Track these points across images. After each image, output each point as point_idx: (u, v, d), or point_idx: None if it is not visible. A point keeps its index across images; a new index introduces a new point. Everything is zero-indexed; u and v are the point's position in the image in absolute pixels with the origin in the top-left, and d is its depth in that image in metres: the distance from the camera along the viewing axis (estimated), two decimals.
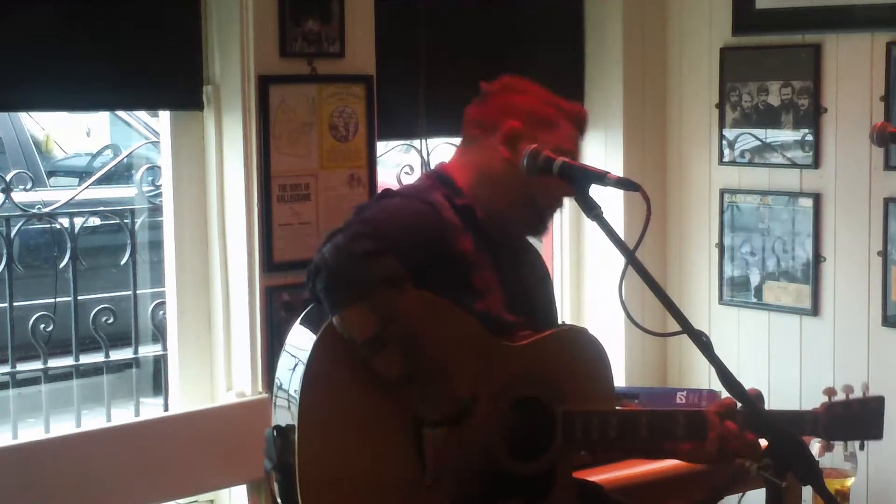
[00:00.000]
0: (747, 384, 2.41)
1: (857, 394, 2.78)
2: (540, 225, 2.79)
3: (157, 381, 4.60)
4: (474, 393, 2.51)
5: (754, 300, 4.27)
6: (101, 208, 5.03)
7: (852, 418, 2.75)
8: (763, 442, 2.35)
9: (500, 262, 2.74)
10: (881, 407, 2.78)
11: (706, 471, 2.92)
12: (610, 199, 3.44)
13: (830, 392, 2.75)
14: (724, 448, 2.62)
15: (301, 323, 2.58)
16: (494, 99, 2.77)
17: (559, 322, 2.92)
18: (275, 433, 2.52)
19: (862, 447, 2.81)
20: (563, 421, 2.60)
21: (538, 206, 2.74)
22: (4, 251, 4.18)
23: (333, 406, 2.48)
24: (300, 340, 2.55)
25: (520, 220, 2.75)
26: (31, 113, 6.25)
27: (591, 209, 2.49)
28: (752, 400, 2.41)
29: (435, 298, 2.53)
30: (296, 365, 2.51)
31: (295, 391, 2.47)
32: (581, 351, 2.71)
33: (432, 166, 3.40)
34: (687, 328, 2.38)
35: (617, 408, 2.72)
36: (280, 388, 2.56)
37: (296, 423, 2.45)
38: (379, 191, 3.54)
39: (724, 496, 2.80)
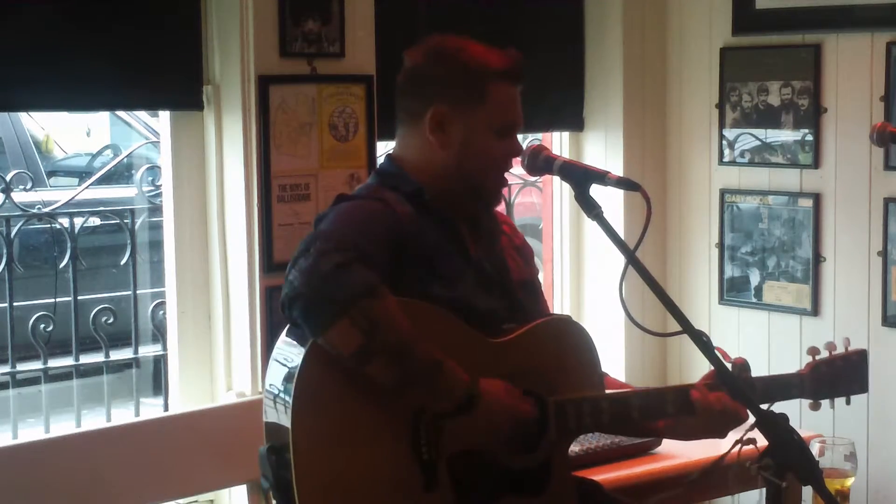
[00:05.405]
0: None
1: (840, 349, 2.80)
2: (486, 197, 2.73)
3: (157, 381, 4.60)
4: (474, 378, 2.49)
5: (754, 300, 4.27)
6: (101, 208, 5.03)
7: (837, 375, 2.77)
8: (752, 420, 2.36)
9: (466, 243, 2.72)
10: (864, 360, 2.81)
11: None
12: (610, 199, 3.44)
13: (814, 351, 2.77)
14: (714, 416, 2.65)
15: (287, 335, 2.54)
16: (418, 77, 2.70)
17: (541, 294, 2.91)
18: (268, 450, 2.50)
19: (848, 402, 2.81)
20: (556, 411, 2.61)
21: (475, 178, 2.69)
22: (4, 251, 4.18)
23: (328, 416, 2.46)
24: (289, 351, 2.51)
25: (464, 195, 2.71)
26: (31, 113, 6.25)
27: (592, 209, 2.49)
28: (749, 395, 2.43)
29: (415, 304, 2.50)
30: (287, 375, 2.49)
31: (287, 403, 2.44)
32: (567, 340, 2.72)
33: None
34: (687, 328, 2.39)
35: (607, 391, 2.73)
36: (273, 398, 2.53)
37: (290, 436, 2.42)
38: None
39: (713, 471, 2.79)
